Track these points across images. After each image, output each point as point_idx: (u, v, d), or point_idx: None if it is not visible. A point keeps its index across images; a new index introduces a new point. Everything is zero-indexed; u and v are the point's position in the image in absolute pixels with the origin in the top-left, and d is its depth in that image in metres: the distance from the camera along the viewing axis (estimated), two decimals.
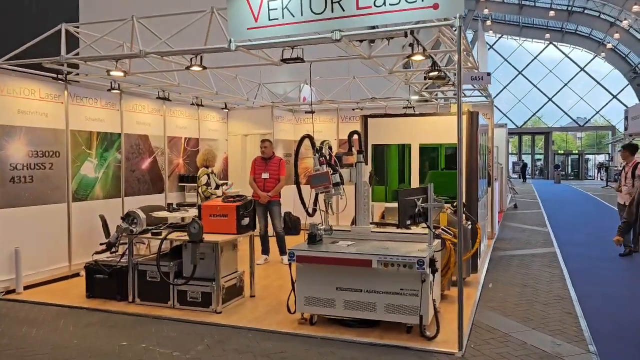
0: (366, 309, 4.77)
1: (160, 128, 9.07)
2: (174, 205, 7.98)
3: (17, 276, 6.24)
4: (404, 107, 10.29)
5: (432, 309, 4.77)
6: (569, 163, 42.93)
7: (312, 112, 9.78)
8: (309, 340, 4.65)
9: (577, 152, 43.33)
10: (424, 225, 4.98)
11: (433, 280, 4.73)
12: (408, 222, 4.74)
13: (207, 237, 5.46)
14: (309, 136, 5.24)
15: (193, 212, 7.90)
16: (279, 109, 11.09)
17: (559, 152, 44.62)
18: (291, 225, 10.89)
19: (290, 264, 4.95)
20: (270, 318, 5.26)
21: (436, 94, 10.95)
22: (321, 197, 5.25)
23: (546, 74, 43.36)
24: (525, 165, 38.74)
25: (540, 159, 44.81)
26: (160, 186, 9.04)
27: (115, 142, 8.02)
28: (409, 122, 7.66)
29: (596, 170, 41.78)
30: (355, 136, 5.64)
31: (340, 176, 5.05)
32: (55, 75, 6.81)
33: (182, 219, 7.70)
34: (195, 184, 8.20)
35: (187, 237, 5.38)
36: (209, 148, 7.77)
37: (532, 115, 44.10)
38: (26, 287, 6.36)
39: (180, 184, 9.56)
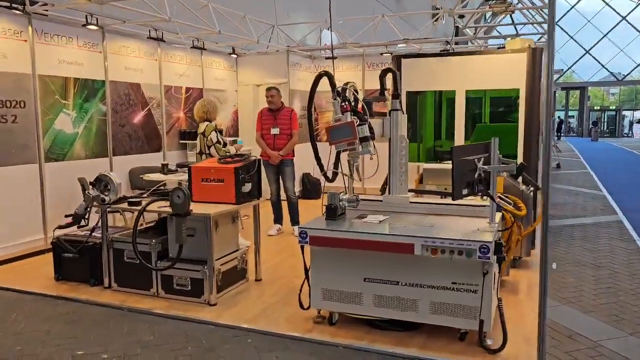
0: (404, 307, 3.52)
1: (155, 75, 7.75)
2: (170, 167, 6.77)
3: None
4: (441, 52, 8.74)
5: (495, 310, 3.49)
6: (605, 120, 40.48)
7: (333, 57, 8.37)
8: (326, 350, 3.44)
9: (614, 108, 40.73)
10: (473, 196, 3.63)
11: (499, 272, 3.43)
12: (465, 191, 3.40)
13: (197, 209, 4.23)
14: (327, 74, 3.88)
15: None
16: (295, 54, 9.64)
17: (595, 108, 42.05)
18: (311, 187, 9.67)
19: (302, 246, 3.69)
20: (277, 313, 4.05)
21: (481, 32, 9.33)
22: (344, 156, 3.94)
23: (584, 24, 40.35)
24: (561, 121, 36.56)
25: (573, 116, 42.40)
26: (157, 144, 7.81)
27: (98, 90, 6.75)
28: (454, 64, 6.17)
29: (635, 127, 39.34)
30: (390, 76, 4.24)
31: (370, 128, 3.69)
32: (9, 4, 5.49)
33: (180, 182, 6.47)
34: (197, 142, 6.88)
35: (169, 209, 4.16)
36: (207, 98, 6.45)
37: (568, 69, 41.36)
38: None
39: (181, 142, 8.31)
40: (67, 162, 6.31)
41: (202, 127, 5.92)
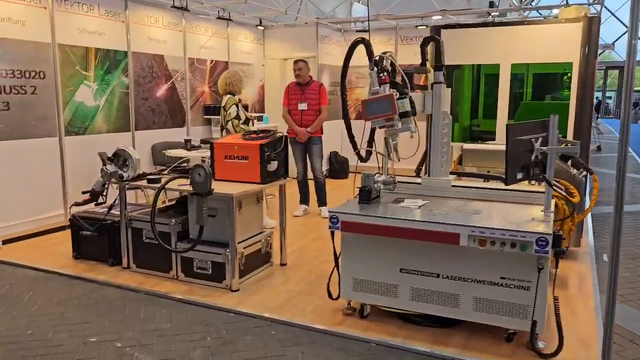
0: (444, 302, 3.18)
1: (180, 47, 7.44)
2: (193, 142, 6.51)
3: None
4: (485, 22, 8.17)
5: (549, 310, 3.11)
6: None
7: (369, 28, 7.89)
8: (356, 347, 3.13)
9: None
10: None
11: (556, 267, 3.04)
12: (519, 175, 3.00)
13: (219, 188, 3.93)
14: (363, 41, 3.48)
15: None
16: (325, 27, 9.20)
17: (636, 89, 40.27)
18: (338, 167, 9.31)
19: (332, 232, 3.36)
20: (303, 303, 3.75)
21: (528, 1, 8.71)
22: (380, 133, 3.56)
23: (626, 1, 38.41)
24: (599, 102, 35.13)
25: (610, 97, 40.68)
26: (181, 119, 7.55)
27: (120, 62, 6.48)
28: (499, 35, 5.66)
29: None
30: (432, 45, 3.83)
31: (411, 102, 3.30)
32: None
33: (203, 159, 6.21)
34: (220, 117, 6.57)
35: (190, 188, 3.87)
36: (232, 70, 6.11)
37: (605, 49, 39.54)
38: (6, 242, 5.13)
39: (205, 117, 8.03)
40: (88, 136, 6.09)
41: (224, 100, 5.60)
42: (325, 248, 5.02)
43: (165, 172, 4.49)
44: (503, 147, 3.00)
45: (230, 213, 3.92)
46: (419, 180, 3.81)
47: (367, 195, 3.43)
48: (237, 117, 5.47)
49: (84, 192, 4.34)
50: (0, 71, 5.12)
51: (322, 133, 6.30)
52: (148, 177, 4.31)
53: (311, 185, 6.37)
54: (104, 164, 4.29)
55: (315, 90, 6.16)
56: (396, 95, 3.25)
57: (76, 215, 4.55)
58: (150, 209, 4.55)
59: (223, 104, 5.57)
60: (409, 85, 3.39)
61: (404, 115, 3.26)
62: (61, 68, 5.69)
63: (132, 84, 6.63)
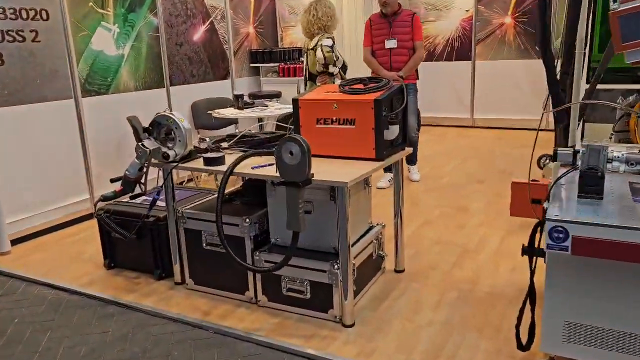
0: None
1: None
2: (246, 98, 5.10)
3: None
4: None
5: None
6: None
7: None
8: None
9: None
10: None
11: None
12: None
13: (317, 173, 2.51)
14: None
15: (277, 107, 5.00)
16: None
17: None
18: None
19: (534, 253, 1.94)
20: (466, 350, 2.39)
21: None
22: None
23: None
24: None
25: None
26: (224, 69, 6.08)
27: None
28: None
29: None
30: None
31: None
32: None
33: (260, 122, 4.84)
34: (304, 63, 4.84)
35: (274, 174, 2.46)
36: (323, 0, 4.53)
37: None
38: (16, 241, 3.88)
39: (252, 65, 6.55)
40: (112, 95, 4.71)
41: (314, 40, 4.18)
42: (444, 236, 3.64)
43: (227, 145, 3.09)
44: None
45: (339, 209, 2.52)
46: None
47: (596, 185, 1.97)
48: (332, 49, 4.14)
49: (112, 180, 2.98)
50: None
51: (417, 78, 4.81)
52: (203, 153, 2.91)
53: None
54: (138, 138, 2.90)
55: (407, 21, 4.60)
56: None
57: (104, 213, 3.22)
58: (208, 199, 3.20)
59: (312, 45, 4.16)
60: None
61: None
62: (70, 5, 4.24)
63: (163, 25, 5.16)
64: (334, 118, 2.78)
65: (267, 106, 5.06)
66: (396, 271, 3.20)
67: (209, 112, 4.94)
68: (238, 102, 4.90)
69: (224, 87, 5.97)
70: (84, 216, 4.36)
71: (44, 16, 4.07)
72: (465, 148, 6.47)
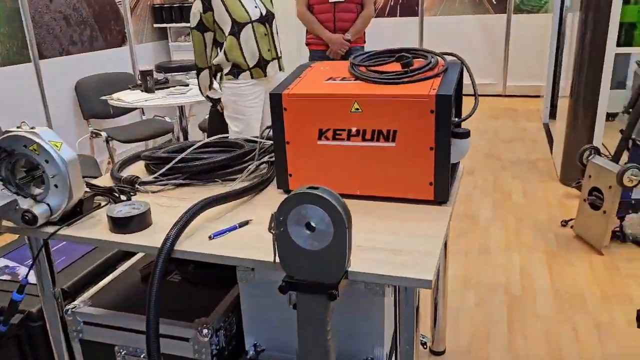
0: None
1: None
2: (157, 75, 3.65)
3: None
4: None
5: None
6: None
7: None
8: None
9: None
10: None
11: None
12: None
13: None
14: None
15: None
16: None
17: None
18: None
19: None
20: None
21: None
22: None
23: None
24: None
25: None
26: (119, 32, 4.46)
27: None
28: None
29: None
30: None
31: None
32: None
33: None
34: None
35: (262, 257, 1.18)
36: None
37: None
38: None
39: (156, 25, 4.96)
40: None
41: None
42: (470, 272, 2.59)
43: (150, 175, 1.71)
44: None
45: (400, 315, 1.31)
46: None
47: None
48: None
49: None
50: None
51: (364, 42, 3.64)
52: (110, 206, 1.52)
53: None
54: None
55: None
56: None
57: None
58: (136, 279, 1.88)
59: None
60: None
61: None
62: None
63: None
64: (354, 130, 1.52)
65: (187, 85, 3.62)
66: (433, 353, 2.08)
67: (102, 97, 3.40)
68: (146, 81, 3.42)
69: (120, 57, 4.37)
70: None
71: None
72: None
